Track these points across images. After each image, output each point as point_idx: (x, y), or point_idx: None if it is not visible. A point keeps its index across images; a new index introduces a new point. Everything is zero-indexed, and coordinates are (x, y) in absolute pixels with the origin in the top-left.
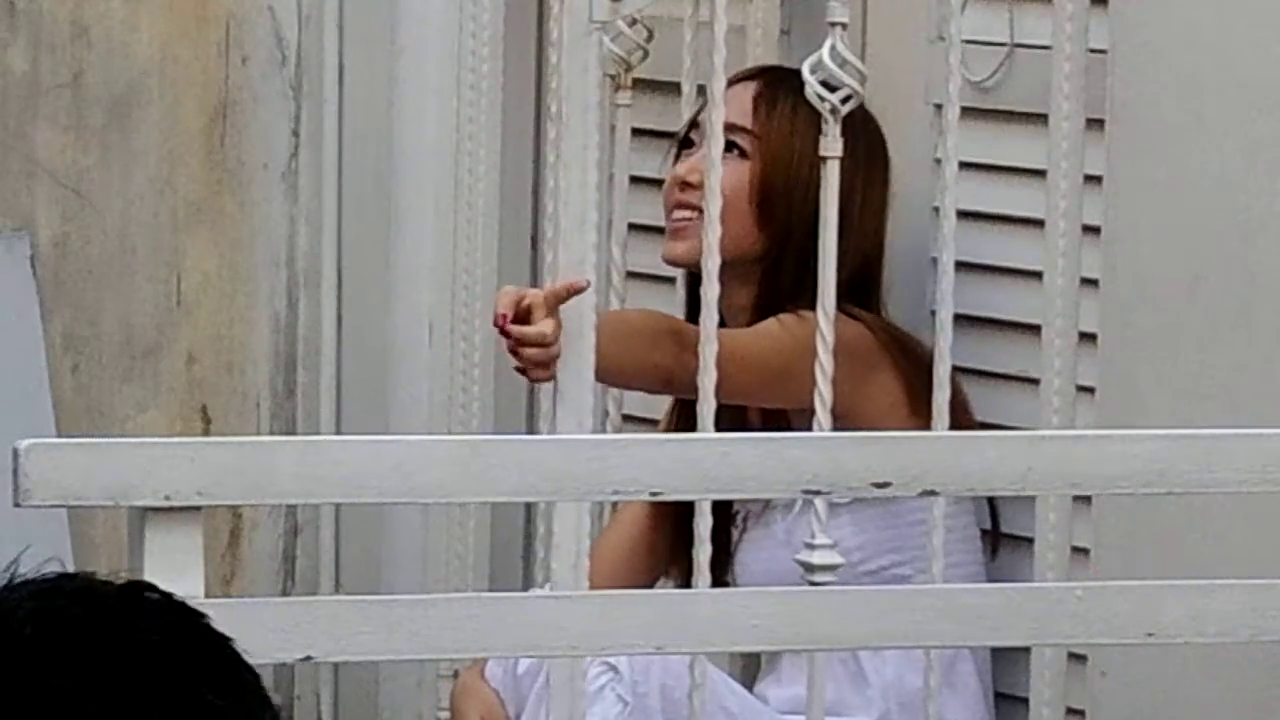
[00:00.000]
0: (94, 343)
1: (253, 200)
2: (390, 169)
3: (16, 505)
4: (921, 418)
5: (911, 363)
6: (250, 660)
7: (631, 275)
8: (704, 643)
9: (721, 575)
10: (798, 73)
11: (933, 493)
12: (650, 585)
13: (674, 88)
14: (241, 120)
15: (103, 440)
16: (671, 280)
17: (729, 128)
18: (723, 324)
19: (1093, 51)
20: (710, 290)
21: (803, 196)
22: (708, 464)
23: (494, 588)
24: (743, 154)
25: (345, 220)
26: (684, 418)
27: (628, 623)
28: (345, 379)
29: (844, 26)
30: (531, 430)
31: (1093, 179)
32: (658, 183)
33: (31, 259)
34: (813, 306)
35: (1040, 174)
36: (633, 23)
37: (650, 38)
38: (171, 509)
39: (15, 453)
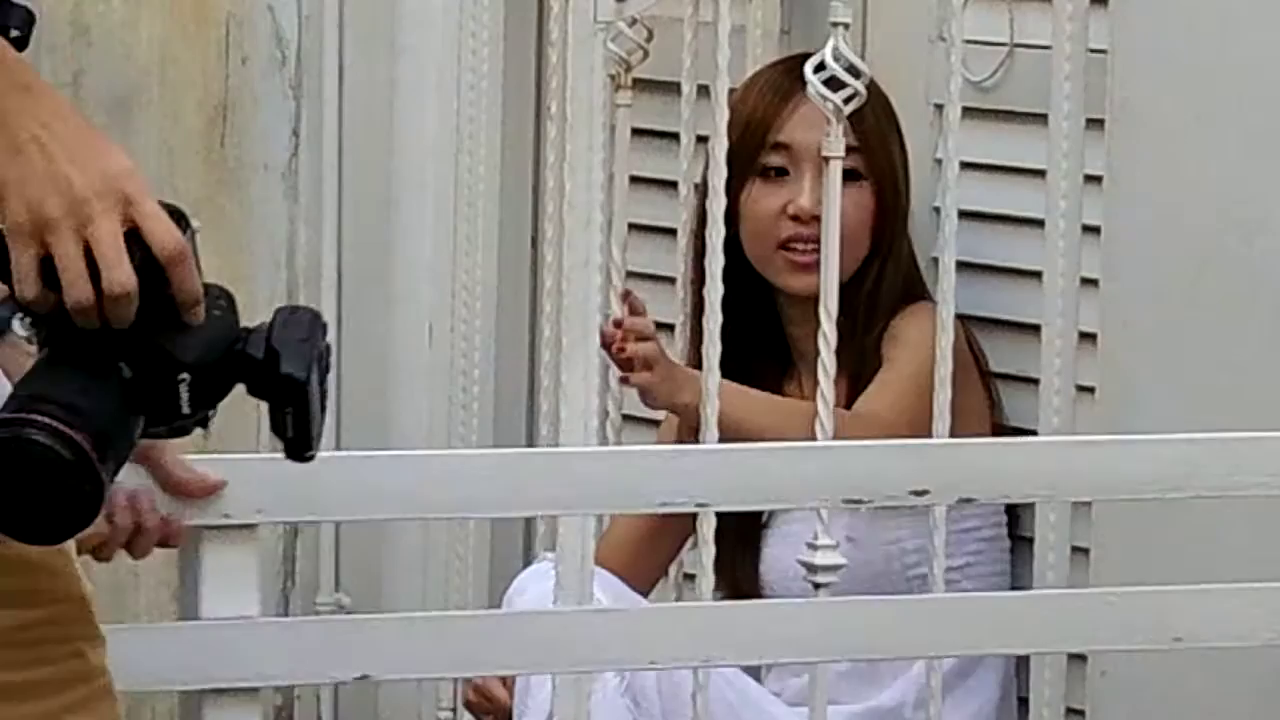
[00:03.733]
0: None
1: (253, 200)
2: (390, 169)
3: None
4: (996, 426)
5: (985, 367)
6: (305, 681)
7: (631, 275)
8: (747, 654)
9: (751, 569)
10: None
11: (969, 500)
12: (664, 568)
13: (674, 88)
14: (241, 120)
15: None
16: (672, 280)
17: None
18: (785, 349)
19: (1093, 51)
20: (713, 322)
21: (905, 202)
22: (751, 474)
23: (493, 588)
24: (854, 175)
25: (345, 220)
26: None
27: (674, 636)
28: (345, 379)
29: (846, 26)
30: (531, 430)
31: (1093, 179)
32: (658, 183)
33: None
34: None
35: (1040, 174)
36: (633, 23)
37: (650, 38)
38: (227, 527)
39: None
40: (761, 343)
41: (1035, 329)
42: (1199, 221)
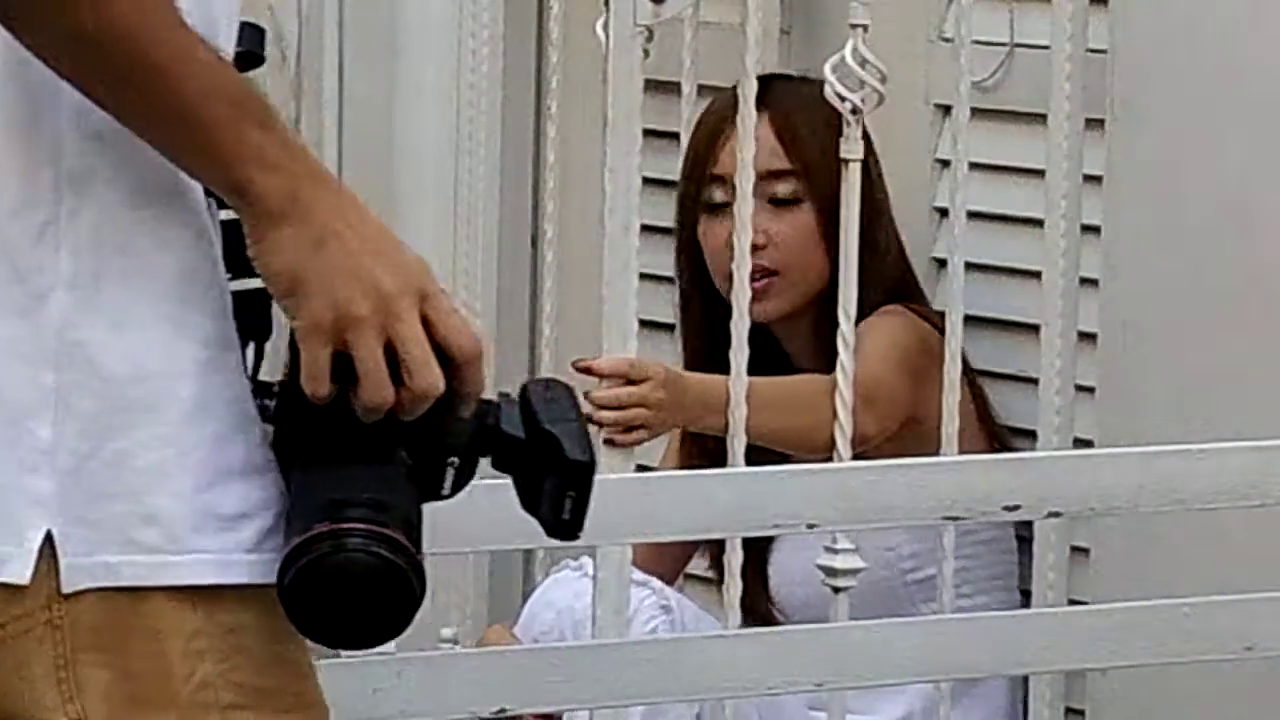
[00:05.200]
0: None
1: None
2: (390, 169)
3: None
4: (986, 422)
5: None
6: (447, 717)
7: None
8: (862, 678)
9: (759, 575)
10: (780, 79)
11: (1056, 514)
12: (679, 572)
13: (674, 88)
14: None
15: None
16: (672, 280)
17: (767, 176)
18: (787, 364)
19: (1093, 51)
20: (741, 326)
21: (871, 212)
22: (858, 494)
23: (494, 576)
24: (795, 200)
25: None
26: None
27: (793, 661)
28: None
29: (865, 28)
30: None
31: (1093, 179)
32: (658, 182)
33: None
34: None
35: (1040, 174)
36: None
37: (650, 38)
38: None
39: None
40: (763, 358)
41: (1035, 329)
42: (1199, 221)
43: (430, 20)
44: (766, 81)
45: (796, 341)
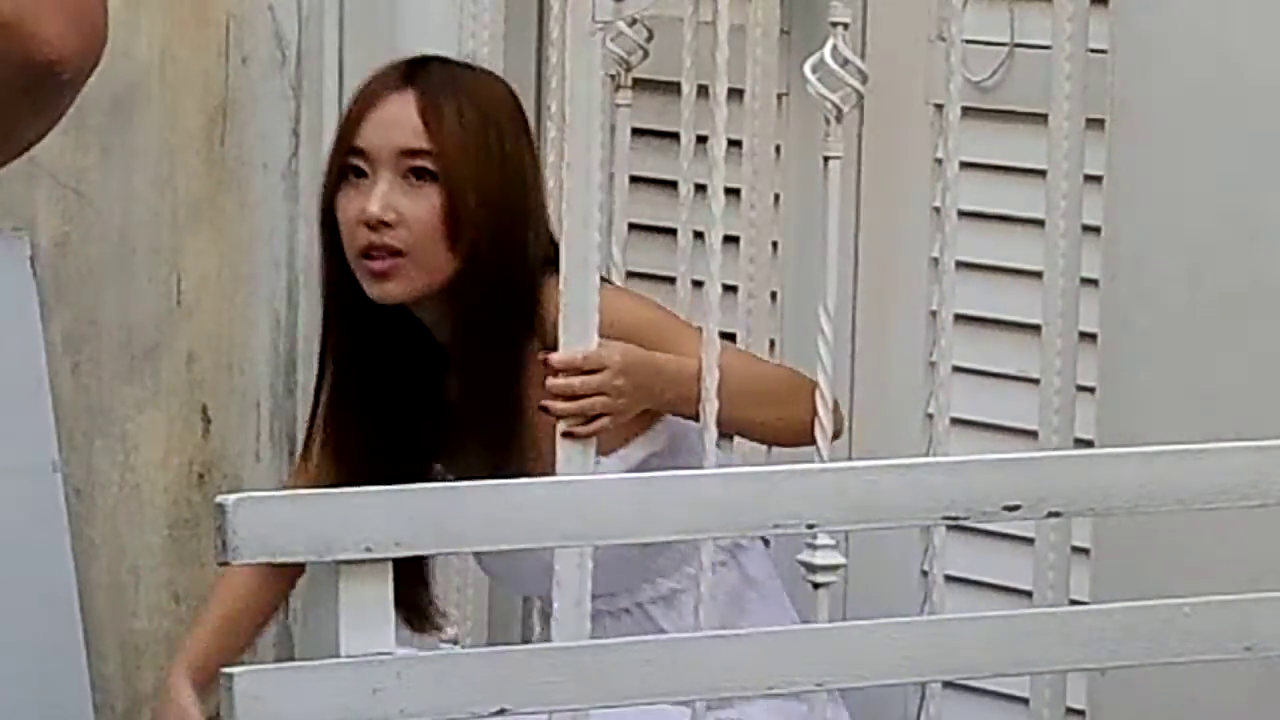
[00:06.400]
0: (94, 343)
1: (253, 200)
2: None
3: (223, 564)
4: None
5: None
6: (447, 717)
7: (631, 275)
8: (862, 678)
9: (421, 577)
10: (439, 62)
11: (1056, 514)
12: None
13: (674, 88)
14: (241, 120)
15: (305, 492)
16: (672, 280)
17: (406, 153)
18: (426, 335)
19: (1093, 51)
20: (711, 319)
21: (490, 205)
22: (860, 495)
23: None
24: (430, 176)
25: None
26: (353, 459)
27: (793, 660)
28: None
29: (845, 26)
30: None
31: (1093, 179)
32: (658, 183)
33: (31, 259)
34: (519, 318)
35: (1040, 174)
36: (633, 23)
37: (650, 38)
38: (364, 561)
39: (222, 508)
40: (414, 354)
41: (1035, 329)
42: (1199, 221)
43: (430, 20)
44: (422, 62)
45: (430, 315)
